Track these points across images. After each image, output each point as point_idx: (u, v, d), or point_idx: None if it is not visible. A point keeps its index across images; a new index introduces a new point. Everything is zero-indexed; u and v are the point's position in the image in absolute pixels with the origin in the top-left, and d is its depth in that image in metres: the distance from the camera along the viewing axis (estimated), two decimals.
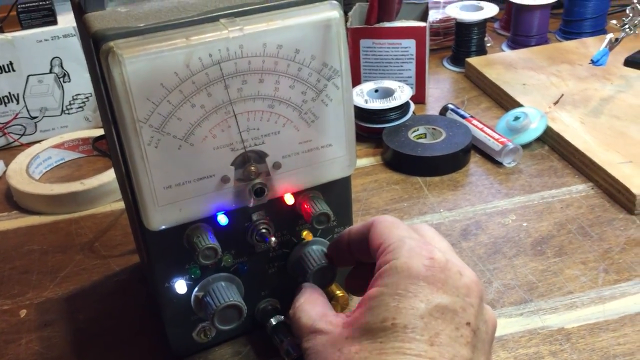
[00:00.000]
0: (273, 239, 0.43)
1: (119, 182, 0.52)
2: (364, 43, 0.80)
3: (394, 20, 0.81)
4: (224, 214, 0.42)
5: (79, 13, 0.40)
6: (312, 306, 0.41)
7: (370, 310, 0.35)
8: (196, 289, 0.44)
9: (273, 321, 0.46)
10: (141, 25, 0.36)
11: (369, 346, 0.34)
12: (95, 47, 0.35)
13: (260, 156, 0.41)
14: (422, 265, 0.36)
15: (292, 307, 0.42)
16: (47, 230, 0.64)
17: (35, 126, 0.79)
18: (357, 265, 0.44)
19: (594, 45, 0.89)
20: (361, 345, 0.35)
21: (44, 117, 0.79)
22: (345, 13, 0.38)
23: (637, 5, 0.76)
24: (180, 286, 0.44)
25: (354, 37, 0.80)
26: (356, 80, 0.81)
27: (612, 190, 0.62)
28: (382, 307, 0.35)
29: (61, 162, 0.75)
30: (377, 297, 0.35)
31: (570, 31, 0.97)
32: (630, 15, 0.76)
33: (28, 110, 0.78)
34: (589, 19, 0.95)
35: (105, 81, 0.35)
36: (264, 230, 0.44)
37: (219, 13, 0.37)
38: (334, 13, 0.39)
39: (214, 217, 0.42)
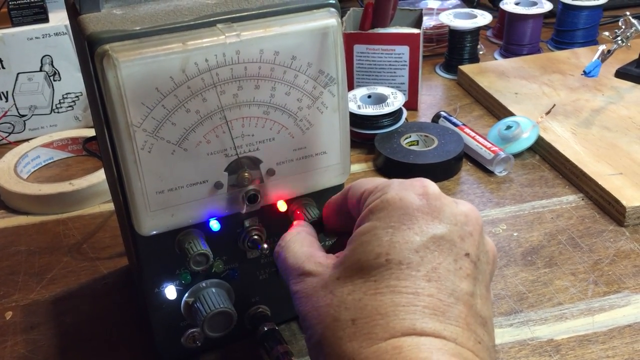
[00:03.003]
0: (265, 245, 0.43)
1: (110, 184, 0.51)
2: (357, 48, 0.80)
3: (387, 26, 0.81)
4: (216, 219, 0.42)
5: (74, 14, 0.39)
6: (299, 245, 0.38)
7: (362, 246, 0.33)
8: (186, 294, 0.44)
9: (263, 328, 0.46)
10: (137, 28, 0.36)
11: (363, 286, 0.32)
12: (90, 49, 0.35)
13: (254, 162, 0.40)
14: (415, 195, 0.34)
15: (277, 245, 0.39)
16: (34, 230, 0.63)
17: (24, 124, 0.78)
18: (339, 237, 0.42)
19: (585, 55, 0.89)
20: (354, 286, 0.32)
21: (33, 115, 0.78)
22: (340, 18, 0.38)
23: (630, 17, 0.77)
24: (170, 292, 0.43)
25: (348, 42, 0.80)
26: (349, 86, 0.81)
27: (602, 201, 0.62)
28: (374, 242, 0.33)
29: (50, 161, 0.75)
30: (369, 232, 0.33)
31: (562, 41, 0.97)
32: (623, 27, 0.76)
33: (17, 108, 0.77)
34: (581, 29, 0.95)
35: (99, 84, 0.35)
36: (256, 237, 0.43)
37: (216, 18, 0.37)
38: (332, 21, 0.38)
39: (206, 222, 0.42)
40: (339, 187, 0.45)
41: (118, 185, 0.39)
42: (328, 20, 0.38)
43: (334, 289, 0.33)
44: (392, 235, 0.32)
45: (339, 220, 0.40)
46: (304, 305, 0.34)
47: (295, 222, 0.41)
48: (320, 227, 0.42)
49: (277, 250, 0.39)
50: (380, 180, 0.37)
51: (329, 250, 0.41)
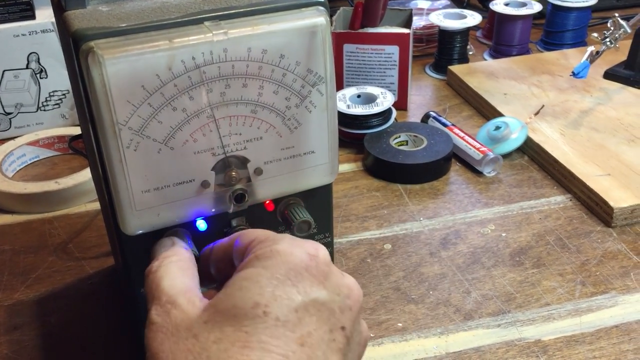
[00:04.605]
0: None
1: (96, 183, 0.51)
2: (347, 48, 0.80)
3: (377, 26, 0.81)
4: (203, 219, 0.41)
5: (59, 11, 0.39)
6: (181, 273, 0.35)
7: (241, 291, 0.31)
8: None
9: None
10: (123, 25, 0.35)
11: (232, 335, 0.30)
12: (75, 46, 0.34)
13: (242, 162, 0.40)
14: (306, 254, 0.33)
15: (157, 259, 0.36)
16: (19, 230, 0.62)
17: (10, 122, 0.78)
18: (216, 286, 0.39)
19: (574, 56, 0.90)
20: (222, 333, 0.30)
21: (19, 113, 0.77)
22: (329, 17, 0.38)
23: (618, 18, 0.77)
24: None
25: (338, 41, 0.79)
26: (339, 85, 0.81)
27: (590, 202, 0.62)
28: (256, 289, 0.31)
29: (36, 159, 0.74)
30: (252, 278, 0.31)
31: (551, 42, 0.98)
32: (612, 28, 0.77)
33: (3, 106, 0.76)
34: (570, 30, 0.96)
35: (84, 82, 0.35)
36: None
37: (204, 15, 0.37)
38: (321, 19, 0.38)
39: (193, 222, 0.41)
40: (327, 187, 0.45)
41: (103, 184, 0.39)
42: (317, 18, 0.38)
43: (198, 333, 0.30)
44: (275, 287, 0.31)
45: (219, 266, 0.38)
46: (158, 343, 0.31)
47: (178, 242, 0.38)
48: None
49: (156, 266, 0.35)
50: (273, 233, 0.36)
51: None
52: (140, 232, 0.39)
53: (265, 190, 0.42)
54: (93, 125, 0.36)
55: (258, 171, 0.41)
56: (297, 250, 0.33)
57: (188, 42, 0.35)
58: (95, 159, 0.39)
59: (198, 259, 0.39)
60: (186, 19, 0.36)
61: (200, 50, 0.35)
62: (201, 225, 0.42)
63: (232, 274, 0.34)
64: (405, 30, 0.78)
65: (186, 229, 0.41)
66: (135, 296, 0.43)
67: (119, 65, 0.34)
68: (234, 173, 0.40)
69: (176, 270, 0.35)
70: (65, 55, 0.44)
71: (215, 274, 0.39)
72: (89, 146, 0.44)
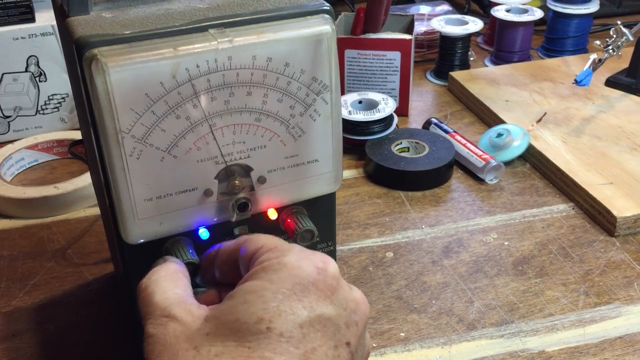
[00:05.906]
0: None
1: (96, 189, 0.50)
2: (348, 53, 0.80)
3: (379, 31, 0.81)
4: (205, 227, 0.41)
5: (62, 16, 0.38)
6: (172, 284, 0.34)
7: (245, 305, 0.31)
8: None
9: None
10: (127, 32, 0.35)
11: (234, 350, 0.29)
12: (79, 53, 0.34)
13: (245, 170, 0.40)
14: (314, 267, 0.32)
15: (146, 277, 0.35)
16: (17, 235, 0.62)
17: (8, 126, 0.77)
18: (218, 287, 0.39)
19: (575, 63, 0.89)
20: (224, 347, 0.30)
21: (17, 116, 0.77)
22: None
23: (621, 26, 0.77)
24: None
25: (339, 47, 0.79)
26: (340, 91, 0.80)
27: (592, 211, 0.62)
28: (260, 304, 0.30)
29: (34, 164, 0.73)
30: (256, 292, 0.31)
31: (552, 49, 0.97)
32: (614, 36, 0.76)
33: (1, 109, 0.76)
34: (571, 37, 0.95)
35: (87, 89, 0.34)
36: None
37: (208, 23, 0.36)
38: (326, 27, 0.38)
39: (195, 230, 0.41)
40: (330, 195, 0.45)
41: (105, 192, 0.38)
42: (322, 27, 0.38)
43: (199, 345, 0.30)
44: (280, 302, 0.31)
45: (223, 269, 0.37)
46: (156, 355, 0.31)
47: (170, 258, 0.38)
48: (195, 272, 0.39)
49: (145, 283, 0.35)
50: (281, 241, 0.35)
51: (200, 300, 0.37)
52: (142, 241, 0.39)
53: (269, 198, 0.41)
54: (95, 132, 0.36)
55: (261, 180, 0.40)
56: (304, 263, 0.32)
57: (192, 50, 0.35)
58: (97, 166, 0.38)
59: (199, 265, 0.39)
60: (191, 26, 0.36)
61: (204, 58, 0.35)
62: (203, 233, 0.41)
63: (236, 279, 0.34)
64: (406, 36, 0.78)
65: (188, 237, 0.41)
66: (135, 304, 0.42)
67: (122, 73, 0.33)
68: (237, 181, 0.39)
69: (166, 284, 0.34)
70: (67, 61, 0.44)
71: (219, 277, 0.38)
72: (90, 153, 0.44)
